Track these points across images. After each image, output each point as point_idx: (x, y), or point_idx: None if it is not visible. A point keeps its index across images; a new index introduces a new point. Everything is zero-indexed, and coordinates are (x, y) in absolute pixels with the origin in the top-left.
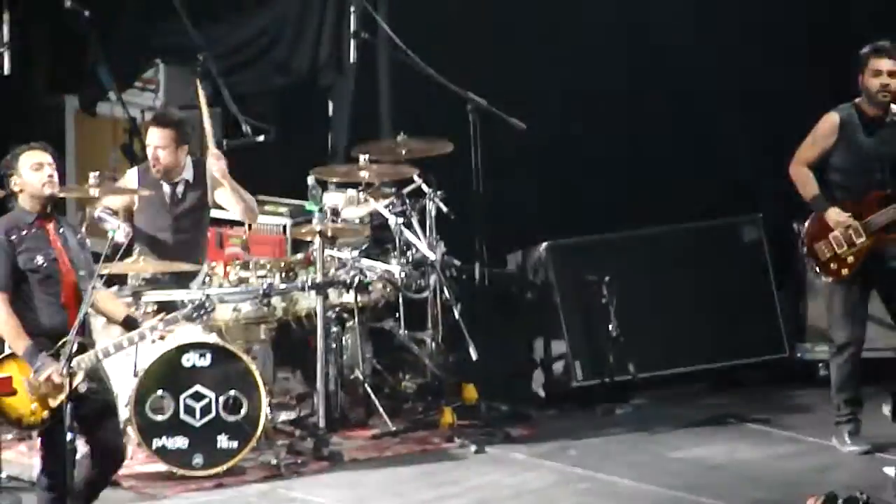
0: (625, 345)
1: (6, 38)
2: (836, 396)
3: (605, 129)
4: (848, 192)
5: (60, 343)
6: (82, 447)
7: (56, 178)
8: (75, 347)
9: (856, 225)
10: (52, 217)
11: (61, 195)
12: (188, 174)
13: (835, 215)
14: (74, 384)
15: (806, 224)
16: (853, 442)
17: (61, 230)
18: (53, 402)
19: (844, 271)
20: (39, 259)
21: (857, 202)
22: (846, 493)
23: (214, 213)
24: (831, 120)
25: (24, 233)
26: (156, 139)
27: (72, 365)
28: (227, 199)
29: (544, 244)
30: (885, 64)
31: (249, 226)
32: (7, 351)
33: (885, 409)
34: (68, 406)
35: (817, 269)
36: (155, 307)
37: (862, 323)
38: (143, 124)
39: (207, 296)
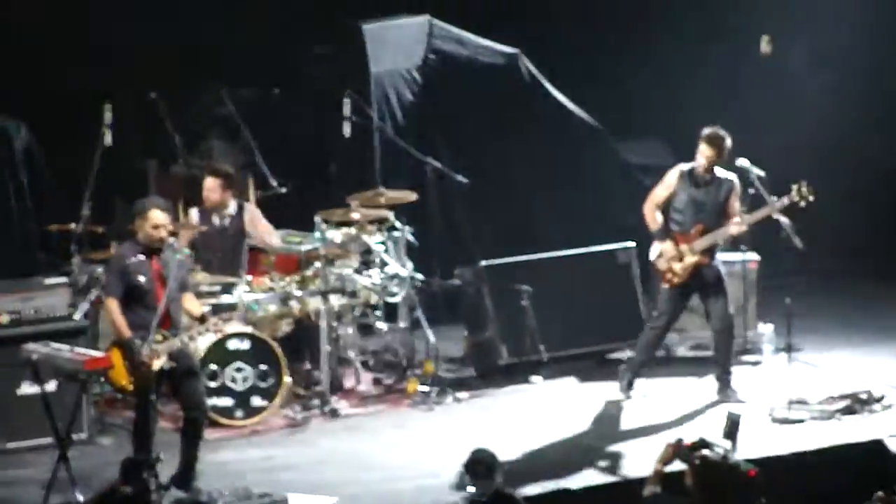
0: (537, 334)
1: (108, 120)
2: (635, 354)
3: (526, 184)
4: (681, 225)
5: (150, 337)
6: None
7: (166, 234)
8: (159, 338)
9: (678, 254)
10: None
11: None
12: (232, 210)
13: (664, 251)
14: (158, 364)
15: (651, 248)
16: (623, 389)
17: (163, 256)
18: (146, 376)
19: (675, 280)
20: (142, 279)
21: (687, 232)
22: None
23: (250, 242)
24: (674, 173)
25: (134, 259)
26: (208, 184)
27: (157, 350)
28: (257, 232)
29: (481, 263)
30: (703, 150)
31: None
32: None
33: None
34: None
35: (661, 277)
36: (210, 307)
37: (673, 315)
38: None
39: (257, 301)
